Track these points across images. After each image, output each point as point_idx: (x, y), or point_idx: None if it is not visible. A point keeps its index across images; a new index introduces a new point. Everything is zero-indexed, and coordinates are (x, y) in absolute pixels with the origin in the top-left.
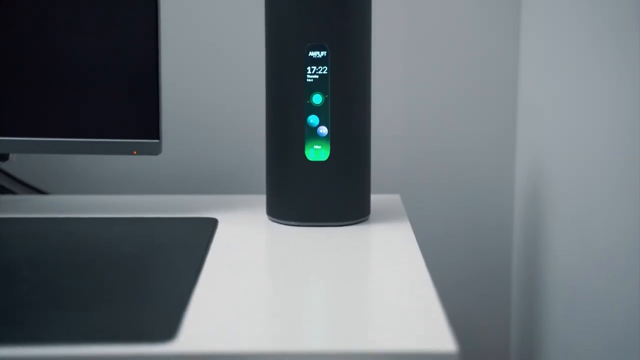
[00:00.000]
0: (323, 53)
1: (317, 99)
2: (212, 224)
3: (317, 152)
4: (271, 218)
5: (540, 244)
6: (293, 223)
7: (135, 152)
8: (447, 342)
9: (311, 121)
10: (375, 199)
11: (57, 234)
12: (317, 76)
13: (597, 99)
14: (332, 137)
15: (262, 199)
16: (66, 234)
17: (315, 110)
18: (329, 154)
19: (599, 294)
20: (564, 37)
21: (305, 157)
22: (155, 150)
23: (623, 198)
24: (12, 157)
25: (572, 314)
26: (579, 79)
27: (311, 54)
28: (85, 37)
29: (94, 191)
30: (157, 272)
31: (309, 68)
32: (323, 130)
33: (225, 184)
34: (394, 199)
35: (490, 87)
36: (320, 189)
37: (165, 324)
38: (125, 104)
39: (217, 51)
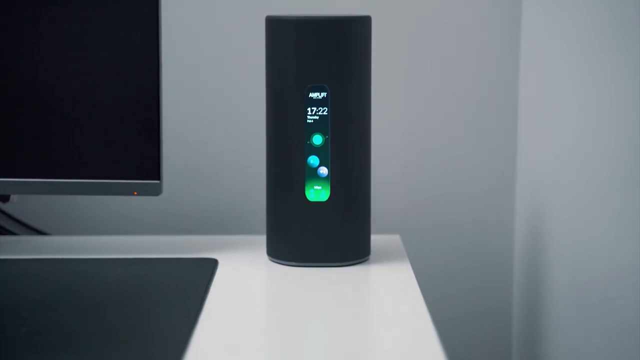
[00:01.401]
0: (323, 94)
1: (317, 139)
2: (212, 264)
3: (317, 193)
4: (271, 258)
5: (540, 281)
6: (293, 263)
7: (135, 193)
8: None
9: (311, 162)
10: (375, 239)
11: (57, 275)
12: (317, 117)
13: (600, 130)
14: (332, 178)
15: (262, 239)
16: (66, 275)
17: (315, 150)
18: (329, 194)
19: (600, 330)
20: (566, 50)
21: (306, 197)
22: (156, 191)
23: (623, 234)
24: (13, 198)
25: (573, 350)
26: (581, 104)
27: (311, 95)
28: (85, 78)
29: (94, 232)
30: (157, 313)
31: (309, 109)
32: (323, 170)
33: (225, 225)
34: (394, 239)
35: (490, 126)
36: (320, 229)
37: None
38: (125, 145)
39: (218, 91)
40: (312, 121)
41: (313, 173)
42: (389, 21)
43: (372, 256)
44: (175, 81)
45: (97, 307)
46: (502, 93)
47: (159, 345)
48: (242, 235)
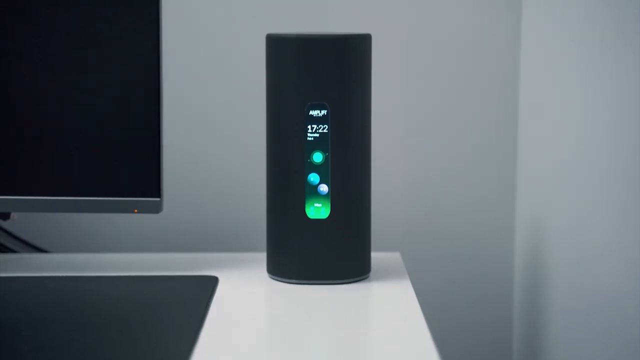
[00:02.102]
0: (323, 112)
1: (317, 157)
2: (212, 281)
3: (317, 210)
4: (271, 276)
5: (540, 296)
6: (293, 281)
7: (136, 210)
8: None
9: (311, 179)
10: (375, 256)
11: (58, 293)
12: (317, 134)
13: (600, 146)
14: (332, 195)
15: (262, 256)
16: (67, 292)
17: (315, 168)
18: (329, 212)
19: (601, 344)
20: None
21: (306, 215)
22: (156, 209)
23: (624, 249)
24: (14, 215)
25: None
26: (580, 119)
27: (311, 112)
28: (86, 95)
29: (95, 249)
30: (158, 330)
31: (309, 126)
32: (323, 188)
33: (225, 242)
34: (394, 256)
35: (490, 142)
36: (320, 247)
37: None
38: (126, 162)
39: (218, 108)
40: (313, 139)
41: (313, 190)
42: (389, 39)
43: (372, 274)
44: (176, 98)
45: (97, 325)
46: (502, 109)
47: None
48: (242, 252)
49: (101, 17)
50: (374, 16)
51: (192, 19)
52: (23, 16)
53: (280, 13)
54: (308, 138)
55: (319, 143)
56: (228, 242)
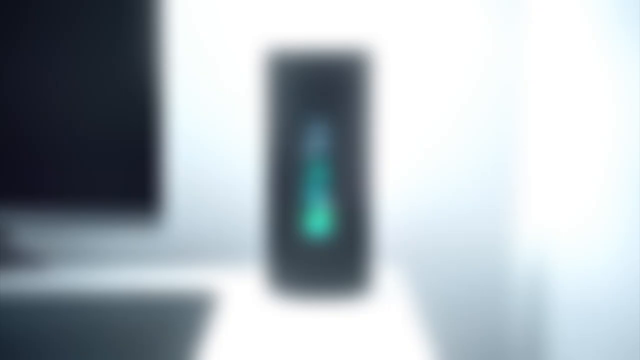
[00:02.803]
0: (325, 129)
1: (319, 174)
2: (211, 299)
3: (318, 228)
4: (271, 294)
5: (541, 309)
6: (293, 299)
7: (137, 226)
8: None
9: (313, 197)
10: (378, 275)
11: (53, 311)
12: (319, 151)
13: (602, 166)
14: (334, 212)
15: (262, 274)
16: (63, 310)
17: (317, 185)
18: (330, 230)
19: (602, 353)
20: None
21: (307, 232)
22: (157, 225)
23: (625, 260)
24: (9, 231)
25: None
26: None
27: (313, 129)
28: (86, 110)
29: (94, 265)
30: (156, 349)
31: (311, 143)
32: (325, 206)
33: (225, 260)
34: (397, 274)
35: (491, 158)
36: (321, 264)
37: None
38: (129, 179)
39: (218, 125)
40: (314, 156)
41: (315, 208)
42: (392, 56)
43: (374, 292)
44: (174, 117)
45: (94, 343)
46: (504, 124)
47: None
48: (242, 270)
49: (101, 18)
50: (377, 32)
51: (190, 38)
52: (23, 16)
53: (282, 29)
54: (309, 155)
55: (321, 160)
56: (227, 260)
